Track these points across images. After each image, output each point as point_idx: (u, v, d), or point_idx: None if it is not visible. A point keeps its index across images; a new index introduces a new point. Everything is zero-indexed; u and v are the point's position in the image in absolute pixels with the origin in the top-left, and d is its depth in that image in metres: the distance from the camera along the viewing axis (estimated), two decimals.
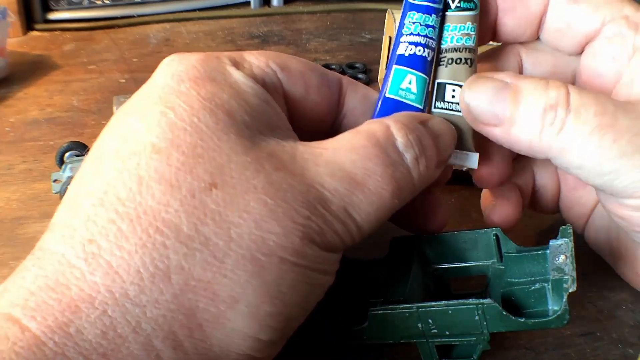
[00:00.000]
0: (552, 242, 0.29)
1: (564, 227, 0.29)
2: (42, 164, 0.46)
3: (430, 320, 0.28)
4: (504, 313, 0.27)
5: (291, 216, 0.22)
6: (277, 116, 0.25)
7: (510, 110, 0.26)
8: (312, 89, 0.28)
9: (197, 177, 0.22)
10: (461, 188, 0.45)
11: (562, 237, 0.29)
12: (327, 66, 0.61)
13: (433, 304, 0.28)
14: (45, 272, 0.20)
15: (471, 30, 0.29)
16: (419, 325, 0.28)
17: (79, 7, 0.72)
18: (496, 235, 0.31)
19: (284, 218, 0.22)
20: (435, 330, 0.28)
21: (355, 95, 0.30)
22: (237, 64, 0.26)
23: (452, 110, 0.29)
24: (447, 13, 0.29)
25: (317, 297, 0.24)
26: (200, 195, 0.21)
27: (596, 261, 0.39)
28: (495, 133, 0.27)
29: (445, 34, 0.29)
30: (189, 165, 0.22)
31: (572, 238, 0.28)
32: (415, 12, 0.28)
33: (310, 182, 0.23)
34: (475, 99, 0.27)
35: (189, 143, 0.22)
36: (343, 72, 0.61)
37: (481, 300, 0.27)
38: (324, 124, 0.29)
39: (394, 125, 0.25)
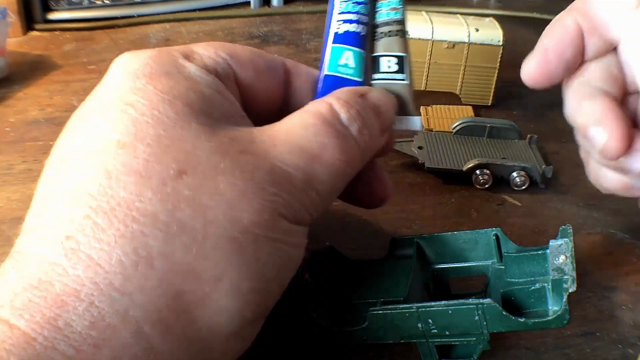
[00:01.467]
0: (552, 242, 0.29)
1: (563, 227, 0.29)
2: (42, 164, 0.45)
3: (430, 320, 0.28)
4: (504, 313, 0.27)
5: (260, 194, 0.23)
6: (231, 105, 0.26)
7: None
8: (261, 73, 0.29)
9: (166, 166, 0.22)
10: (461, 188, 0.45)
11: (562, 237, 0.29)
12: None
13: (433, 304, 0.28)
14: (25, 272, 0.21)
15: (398, 4, 0.30)
16: (419, 325, 0.28)
17: (79, 7, 0.72)
18: (496, 235, 0.31)
19: (253, 197, 0.23)
20: (435, 330, 0.28)
21: (300, 76, 0.31)
22: (188, 57, 0.26)
23: (389, 79, 0.30)
24: None
25: (291, 272, 0.25)
26: (171, 182, 0.22)
27: (596, 261, 0.39)
28: None
29: (376, 10, 0.31)
30: (156, 156, 0.22)
31: (572, 238, 0.29)
32: None
33: (272, 162, 0.24)
34: None
35: (153, 135, 0.22)
36: None
37: (481, 301, 0.27)
38: (274, 107, 0.30)
39: (335, 103, 0.27)
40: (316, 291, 0.31)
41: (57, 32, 0.69)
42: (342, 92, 0.28)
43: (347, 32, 0.29)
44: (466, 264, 0.33)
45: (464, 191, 0.45)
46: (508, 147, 0.48)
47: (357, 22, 0.29)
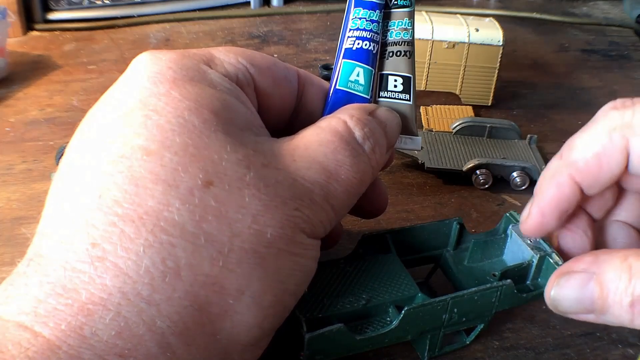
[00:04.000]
0: (511, 227, 0.33)
1: (507, 214, 0.33)
2: (42, 164, 0.46)
3: (455, 310, 0.29)
4: (515, 291, 0.30)
5: (283, 209, 0.23)
6: (251, 114, 0.26)
7: (599, 305, 0.26)
8: (278, 82, 0.29)
9: (194, 176, 0.22)
10: (461, 188, 0.45)
11: (512, 223, 0.33)
12: (327, 66, 0.61)
13: (463, 292, 0.29)
14: (49, 278, 0.20)
15: (408, 25, 0.31)
16: (444, 316, 0.29)
17: (79, 7, 0.72)
18: (460, 224, 0.34)
19: (276, 211, 0.23)
20: (455, 319, 0.29)
21: (312, 87, 0.31)
22: (209, 62, 0.26)
23: (395, 98, 0.31)
24: (387, 10, 0.31)
25: (306, 284, 0.25)
26: (199, 193, 0.22)
27: None
28: (588, 318, 0.27)
29: (387, 29, 0.31)
30: (183, 165, 0.22)
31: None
32: (361, 8, 0.30)
33: (293, 176, 0.24)
34: (562, 296, 0.27)
35: (179, 143, 0.22)
36: None
37: (502, 283, 0.29)
38: (286, 115, 0.30)
39: (349, 121, 0.27)
40: (317, 302, 0.29)
41: (57, 32, 0.69)
42: (354, 109, 0.28)
43: (359, 49, 0.30)
44: (423, 254, 0.34)
45: (464, 191, 0.45)
46: (508, 147, 0.48)
47: (370, 40, 0.30)
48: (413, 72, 0.31)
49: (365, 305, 0.29)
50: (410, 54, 0.31)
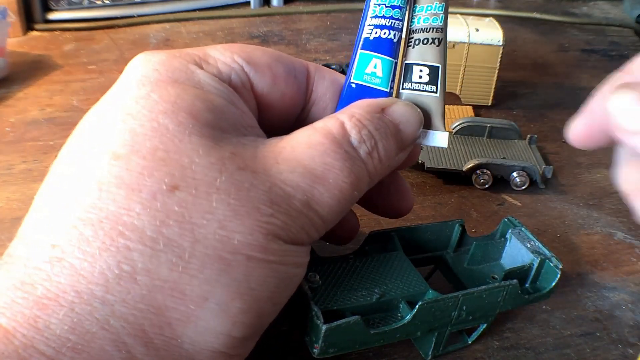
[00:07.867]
0: (511, 231, 0.34)
1: (505, 220, 0.34)
2: (42, 164, 0.46)
3: (464, 307, 0.29)
4: (519, 292, 0.30)
5: (254, 215, 0.22)
6: (241, 115, 0.25)
7: None
8: (279, 79, 0.28)
9: (158, 180, 0.22)
10: (461, 188, 0.45)
11: (510, 227, 0.34)
12: (327, 66, 0.61)
13: (473, 290, 0.29)
14: (11, 274, 0.21)
15: (439, 10, 0.28)
16: (453, 313, 0.29)
17: (79, 7, 0.72)
18: (461, 225, 0.34)
19: (246, 217, 0.22)
20: (463, 317, 0.29)
21: (324, 81, 0.29)
22: (202, 61, 0.26)
23: (419, 90, 0.28)
24: None
25: (289, 291, 0.25)
26: (162, 197, 0.21)
27: (596, 261, 0.39)
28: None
29: (414, 15, 0.29)
30: (149, 169, 0.22)
31: (522, 225, 0.34)
32: None
33: (272, 180, 0.23)
34: (620, 104, 0.23)
35: (148, 147, 0.22)
36: (343, 72, 0.61)
37: (509, 282, 0.30)
38: (293, 113, 0.29)
39: (347, 122, 0.25)
40: (329, 293, 0.29)
41: (57, 32, 0.69)
42: (360, 106, 0.27)
43: (378, 39, 0.28)
44: (424, 255, 0.34)
45: (464, 191, 0.45)
46: (508, 147, 0.48)
47: (390, 27, 0.28)
48: (443, 62, 0.28)
49: (379, 299, 0.29)
50: (439, 42, 0.28)
